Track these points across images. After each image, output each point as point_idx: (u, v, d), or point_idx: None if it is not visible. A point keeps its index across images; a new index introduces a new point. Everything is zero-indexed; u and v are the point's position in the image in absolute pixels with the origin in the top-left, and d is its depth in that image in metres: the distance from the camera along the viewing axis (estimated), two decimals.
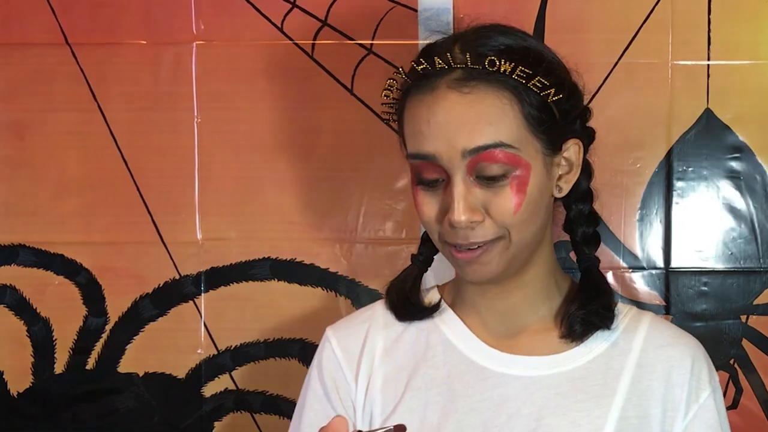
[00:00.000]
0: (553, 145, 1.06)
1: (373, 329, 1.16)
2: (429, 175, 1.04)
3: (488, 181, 1.02)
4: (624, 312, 1.14)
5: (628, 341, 1.11)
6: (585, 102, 1.13)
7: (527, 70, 1.01)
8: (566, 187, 1.09)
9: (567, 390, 1.08)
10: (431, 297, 1.18)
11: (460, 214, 1.01)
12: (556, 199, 1.12)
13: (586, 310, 1.09)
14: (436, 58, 1.03)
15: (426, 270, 1.18)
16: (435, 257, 1.19)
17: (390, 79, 1.08)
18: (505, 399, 1.08)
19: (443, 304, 1.16)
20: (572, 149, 1.08)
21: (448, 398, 1.10)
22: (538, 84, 1.02)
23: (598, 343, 1.10)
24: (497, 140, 1.01)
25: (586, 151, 1.12)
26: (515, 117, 1.02)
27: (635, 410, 1.07)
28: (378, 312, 1.18)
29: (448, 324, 1.15)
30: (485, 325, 1.13)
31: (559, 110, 1.05)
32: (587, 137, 1.12)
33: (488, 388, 1.09)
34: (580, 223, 1.13)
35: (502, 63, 1.01)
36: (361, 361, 1.14)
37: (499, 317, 1.13)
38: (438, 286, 1.20)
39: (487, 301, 1.13)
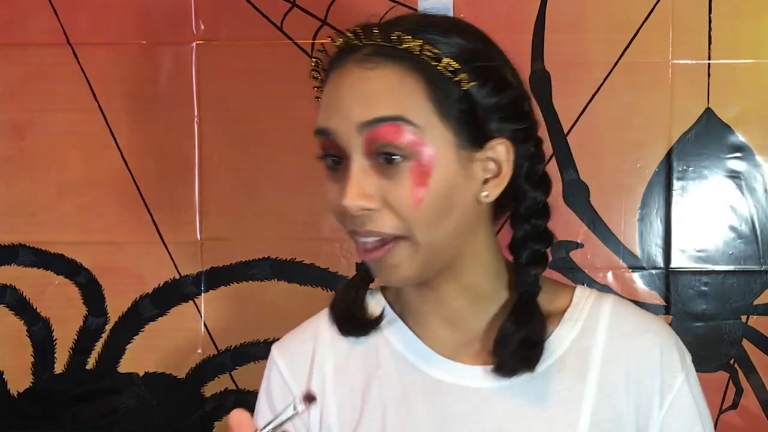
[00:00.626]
0: (473, 139, 0.95)
1: (321, 346, 1.07)
2: (329, 151, 0.95)
3: (387, 165, 0.92)
4: (583, 300, 1.04)
5: (590, 336, 1.01)
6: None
7: (435, 50, 0.93)
8: (494, 192, 0.97)
9: (531, 399, 0.98)
10: (374, 307, 1.07)
11: (350, 198, 0.92)
12: (501, 209, 1.02)
13: (511, 346, 0.97)
14: (350, 34, 0.96)
15: (372, 279, 1.05)
16: None
17: (315, 58, 1.01)
18: (464, 414, 0.99)
19: (389, 314, 1.06)
20: (498, 149, 0.96)
21: (407, 418, 1.01)
22: (448, 67, 0.93)
23: (558, 342, 1.01)
24: (396, 113, 0.92)
25: (523, 156, 0.98)
26: (419, 96, 0.93)
27: (607, 411, 0.99)
28: (323, 325, 1.08)
29: (397, 336, 1.05)
30: (435, 334, 1.03)
31: (479, 101, 0.95)
32: (532, 145, 0.99)
33: (447, 404, 1.00)
34: (534, 240, 1.00)
35: (409, 40, 0.93)
36: (311, 383, 1.06)
37: (447, 325, 1.03)
38: (382, 290, 1.09)
39: (430, 307, 1.03)
